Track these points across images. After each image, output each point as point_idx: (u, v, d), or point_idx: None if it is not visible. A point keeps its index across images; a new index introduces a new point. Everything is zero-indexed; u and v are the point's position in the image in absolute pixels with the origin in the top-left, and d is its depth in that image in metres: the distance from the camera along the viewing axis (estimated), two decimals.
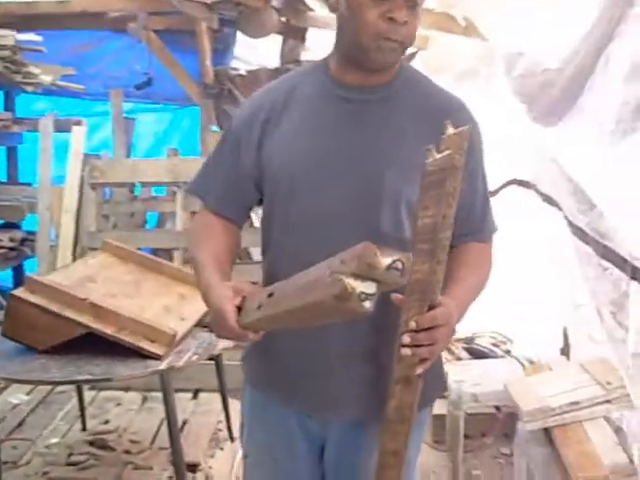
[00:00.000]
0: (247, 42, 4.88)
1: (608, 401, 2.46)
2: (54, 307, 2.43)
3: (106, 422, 3.52)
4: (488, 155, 1.54)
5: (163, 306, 2.73)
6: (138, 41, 4.63)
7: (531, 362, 3.34)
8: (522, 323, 3.57)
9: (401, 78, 1.52)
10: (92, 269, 2.88)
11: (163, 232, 4.43)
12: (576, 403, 2.46)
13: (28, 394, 3.78)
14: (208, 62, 4.69)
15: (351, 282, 1.12)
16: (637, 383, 2.12)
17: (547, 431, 2.50)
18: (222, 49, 5.06)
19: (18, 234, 4.85)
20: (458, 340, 3.65)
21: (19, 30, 4.34)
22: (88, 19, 4.73)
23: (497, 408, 3.12)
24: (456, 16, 3.61)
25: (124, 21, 4.60)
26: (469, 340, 3.71)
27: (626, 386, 2.39)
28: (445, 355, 3.33)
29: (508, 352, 3.62)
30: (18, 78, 4.50)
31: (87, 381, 2.72)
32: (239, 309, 1.37)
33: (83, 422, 3.43)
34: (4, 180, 5.54)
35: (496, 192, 3.17)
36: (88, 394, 3.66)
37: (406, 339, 1.27)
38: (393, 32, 1.39)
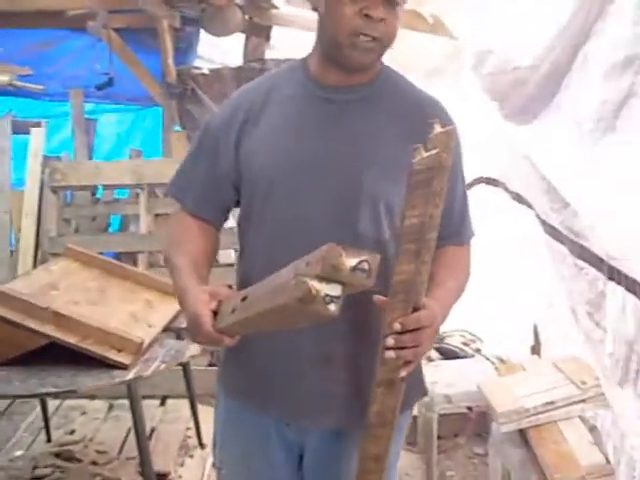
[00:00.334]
0: (210, 40, 4.82)
1: (583, 400, 2.47)
2: (15, 317, 2.35)
3: (71, 432, 3.43)
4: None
5: (129, 313, 2.67)
6: (98, 40, 4.53)
7: (502, 361, 3.34)
8: (491, 321, 3.57)
9: (382, 78, 1.52)
10: (54, 276, 2.81)
11: (127, 235, 4.34)
12: (551, 403, 2.47)
13: None
14: (170, 61, 4.63)
15: (315, 284, 1.09)
16: (614, 384, 2.11)
17: (522, 432, 2.49)
18: (185, 48, 4.98)
19: None
20: None
21: None
22: (45, 17, 4.60)
23: (469, 408, 3.11)
24: (424, 14, 3.58)
25: (83, 19, 4.48)
26: (439, 340, 3.70)
27: (601, 385, 2.39)
28: None
29: (478, 351, 3.62)
30: None
31: (51, 394, 2.66)
32: (215, 313, 1.34)
33: (48, 433, 3.33)
34: None
35: None
36: (52, 403, 3.56)
37: (390, 341, 1.25)
38: (368, 28, 1.38)
